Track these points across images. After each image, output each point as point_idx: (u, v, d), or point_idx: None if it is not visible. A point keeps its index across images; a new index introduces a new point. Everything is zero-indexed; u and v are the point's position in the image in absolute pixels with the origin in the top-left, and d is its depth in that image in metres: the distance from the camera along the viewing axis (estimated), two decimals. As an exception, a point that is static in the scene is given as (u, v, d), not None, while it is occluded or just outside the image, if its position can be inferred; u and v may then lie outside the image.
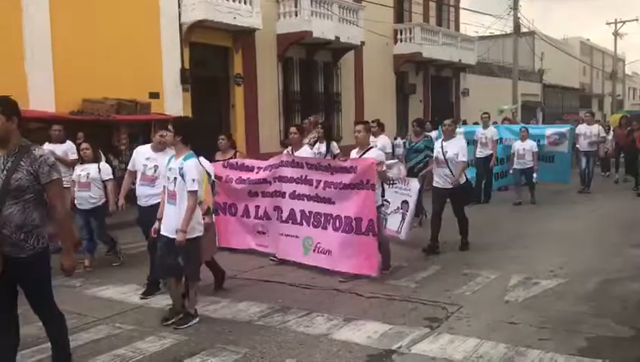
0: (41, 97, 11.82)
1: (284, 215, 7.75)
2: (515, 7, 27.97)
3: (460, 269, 7.35)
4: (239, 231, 8.36)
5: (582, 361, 4.56)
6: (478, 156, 13.10)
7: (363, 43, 20.37)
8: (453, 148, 8.19)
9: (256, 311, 5.85)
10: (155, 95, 14.18)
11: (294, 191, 7.64)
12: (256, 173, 8.10)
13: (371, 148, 7.29)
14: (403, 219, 8.35)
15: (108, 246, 8.22)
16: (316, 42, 18.84)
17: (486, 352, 4.72)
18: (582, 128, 14.77)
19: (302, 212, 7.54)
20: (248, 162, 8.39)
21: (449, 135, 8.39)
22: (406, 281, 6.88)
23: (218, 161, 8.40)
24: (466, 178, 8.45)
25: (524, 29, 30.24)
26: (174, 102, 14.78)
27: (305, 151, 8.08)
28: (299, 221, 7.58)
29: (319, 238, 7.31)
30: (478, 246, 8.58)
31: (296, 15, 18.01)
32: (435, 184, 8.36)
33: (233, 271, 7.16)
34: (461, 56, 26.74)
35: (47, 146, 8.55)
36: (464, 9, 30.97)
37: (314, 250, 7.35)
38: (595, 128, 14.79)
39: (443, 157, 8.18)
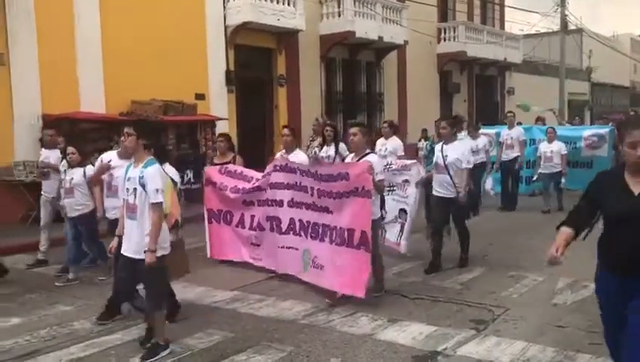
0: (91, 99, 12.21)
1: (284, 225, 6.95)
2: (562, 4, 27.33)
3: (506, 271, 7.25)
4: (235, 241, 7.74)
5: (634, 367, 4.44)
6: (503, 159, 12.23)
7: (406, 42, 20.25)
8: (454, 152, 7.22)
9: (300, 310, 5.90)
10: (200, 96, 14.44)
11: (292, 198, 6.84)
12: (254, 183, 7.45)
13: (369, 153, 6.35)
14: (402, 229, 7.67)
15: (92, 257, 7.58)
16: (359, 42, 18.83)
17: (534, 356, 4.66)
18: None
19: (301, 222, 6.73)
20: (247, 172, 7.71)
21: (448, 138, 7.36)
22: (451, 283, 6.83)
23: (216, 164, 8.01)
24: (471, 186, 7.44)
25: (571, 27, 29.51)
26: (219, 104, 15.03)
27: (298, 155, 7.50)
28: (298, 232, 6.79)
29: (316, 251, 6.47)
30: (523, 247, 8.46)
31: (339, 15, 18.04)
32: (434, 193, 7.43)
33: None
34: (506, 55, 26.29)
35: (43, 152, 8.37)
36: (509, 7, 30.39)
37: (312, 265, 6.53)
38: None
39: (443, 163, 7.23)
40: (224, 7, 15.28)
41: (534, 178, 12.28)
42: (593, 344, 4.83)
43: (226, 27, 15.30)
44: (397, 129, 10.24)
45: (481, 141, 11.70)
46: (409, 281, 6.91)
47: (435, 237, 7.34)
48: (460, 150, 7.27)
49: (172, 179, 5.25)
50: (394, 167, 7.83)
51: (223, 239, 7.83)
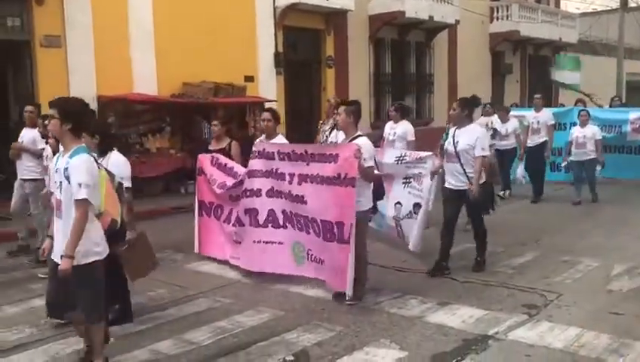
0: (144, 81, 12.43)
1: (261, 217, 6.27)
2: (622, -20, 26.21)
3: (560, 256, 7.08)
4: (220, 237, 7.08)
5: (695, 357, 4.30)
6: (528, 145, 11.04)
7: (458, 22, 19.82)
8: (466, 138, 6.31)
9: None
10: (250, 78, 14.53)
11: (272, 187, 6.17)
12: (238, 179, 6.78)
13: (359, 136, 5.67)
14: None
15: None
16: (409, 22, 18.53)
17: (588, 342, 4.55)
18: None
19: (284, 213, 6.09)
20: (237, 167, 6.95)
21: (460, 121, 6.44)
22: (502, 267, 6.72)
23: (210, 151, 7.36)
24: (485, 177, 6.45)
25: (631, 4, 28.30)
26: (269, 86, 15.09)
27: (279, 141, 6.70)
28: (282, 224, 6.14)
29: (310, 244, 5.87)
30: (576, 233, 8.26)
31: (389, -5, 17.79)
32: (446, 184, 6.57)
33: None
34: (561, 34, 25.44)
35: (24, 131, 7.62)
36: (566, -16, 29.37)
37: (308, 258, 5.93)
38: None
39: (454, 150, 6.36)
40: (273, -12, 15.27)
41: (562, 165, 11.10)
42: (651, 332, 4.71)
43: (275, 8, 15.29)
44: (407, 112, 9.54)
45: (511, 125, 10.95)
46: (459, 265, 6.82)
47: (443, 233, 6.51)
48: (473, 135, 6.33)
49: (107, 171, 4.41)
50: (408, 159, 7.02)
51: (211, 234, 7.18)
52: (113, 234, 4.28)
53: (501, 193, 10.68)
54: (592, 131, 10.50)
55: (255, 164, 6.36)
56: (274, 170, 6.12)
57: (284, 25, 15.59)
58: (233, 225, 6.76)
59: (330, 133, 8.02)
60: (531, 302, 5.52)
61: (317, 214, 5.64)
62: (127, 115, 12.08)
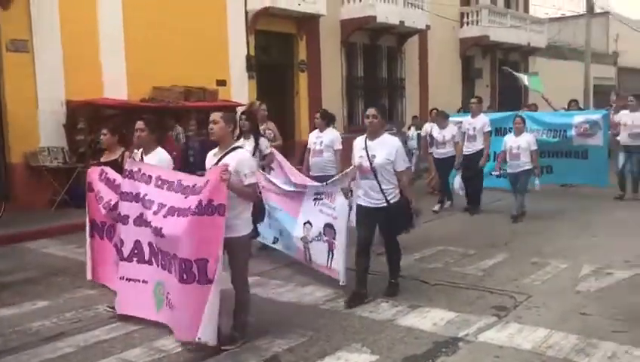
0: (114, 85, 12.28)
1: (126, 250, 5.25)
2: (588, -14, 26.77)
3: (529, 258, 7.17)
4: (109, 261, 5.85)
5: (659, 355, 4.39)
6: (465, 153, 10.18)
7: (428, 27, 20.06)
8: (384, 150, 5.53)
9: (321, 296, 5.92)
10: (222, 83, 14.47)
11: (141, 213, 5.08)
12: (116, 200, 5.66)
13: (237, 148, 4.82)
14: (330, 250, 6.02)
15: None
16: (380, 27, 18.69)
17: (556, 342, 4.62)
18: (623, 116, 11.31)
19: (150, 245, 5.06)
20: (120, 180, 5.54)
21: (376, 131, 5.62)
22: (473, 269, 6.79)
23: (99, 163, 6.40)
24: (405, 194, 5.67)
25: (597, 10, 28.92)
26: (240, 90, 15.05)
27: (158, 155, 5.51)
28: (147, 258, 5.13)
29: (169, 286, 4.84)
30: (545, 235, 8.37)
31: (360, 0, 17.90)
32: (359, 201, 5.77)
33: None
34: (530, 39, 25.90)
35: None
36: (534, -11, 29.89)
37: (166, 303, 4.89)
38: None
39: (369, 164, 5.56)
40: (245, -8, 15.25)
41: (494, 174, 10.04)
42: (617, 332, 4.80)
43: (246, 12, 15.26)
44: (332, 119, 8.42)
45: (449, 131, 10.17)
46: (430, 267, 6.88)
47: (359, 257, 5.71)
48: (391, 148, 5.53)
49: None
50: (336, 177, 6.25)
51: (105, 258, 5.98)
52: None
53: (436, 207, 10.35)
54: (527, 141, 9.42)
55: (125, 185, 5.30)
56: (142, 195, 5.09)
57: (256, 29, 15.57)
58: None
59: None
60: (501, 303, 5.58)
61: (177, 251, 4.60)
62: (96, 120, 11.91)
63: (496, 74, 25.95)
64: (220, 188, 4.42)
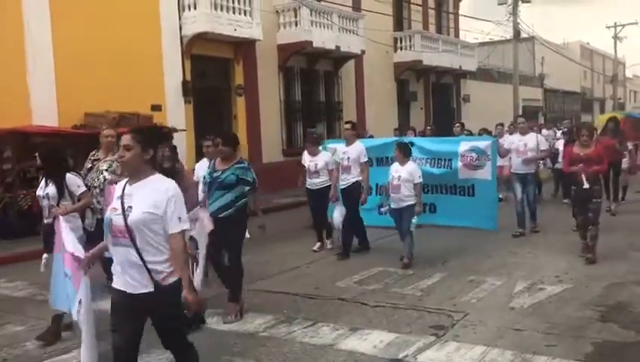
0: (44, 112, 11.91)
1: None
2: (514, 12, 28.07)
3: (466, 276, 7.32)
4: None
5: (589, 367, 4.54)
6: (340, 186, 8.71)
7: (363, 52, 20.48)
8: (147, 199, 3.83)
9: (261, 323, 5.84)
10: (157, 107, 14.23)
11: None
12: None
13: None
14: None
15: None
16: (317, 52, 18.93)
17: (493, 359, 4.71)
18: (513, 139, 10.22)
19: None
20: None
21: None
22: (411, 289, 6.86)
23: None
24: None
25: (524, 35, 30.30)
26: (176, 114, 14.84)
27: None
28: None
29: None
30: (483, 252, 8.57)
31: (296, 25, 18.09)
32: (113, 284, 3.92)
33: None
34: (461, 63, 26.85)
35: None
36: (463, 16, 31.14)
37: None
38: (532, 139, 9.95)
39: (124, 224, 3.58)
40: (180, 17, 15.12)
41: (383, 210, 9.15)
42: (549, 346, 4.94)
43: (182, 37, 15.14)
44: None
45: (321, 158, 8.88)
46: (370, 289, 6.91)
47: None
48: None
49: None
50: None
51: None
52: None
53: (316, 246, 9.12)
54: (409, 171, 7.93)
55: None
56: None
57: (192, 54, 15.46)
58: None
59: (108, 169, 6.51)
60: (439, 322, 5.66)
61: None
62: (25, 149, 11.46)
63: (430, 97, 26.70)
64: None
